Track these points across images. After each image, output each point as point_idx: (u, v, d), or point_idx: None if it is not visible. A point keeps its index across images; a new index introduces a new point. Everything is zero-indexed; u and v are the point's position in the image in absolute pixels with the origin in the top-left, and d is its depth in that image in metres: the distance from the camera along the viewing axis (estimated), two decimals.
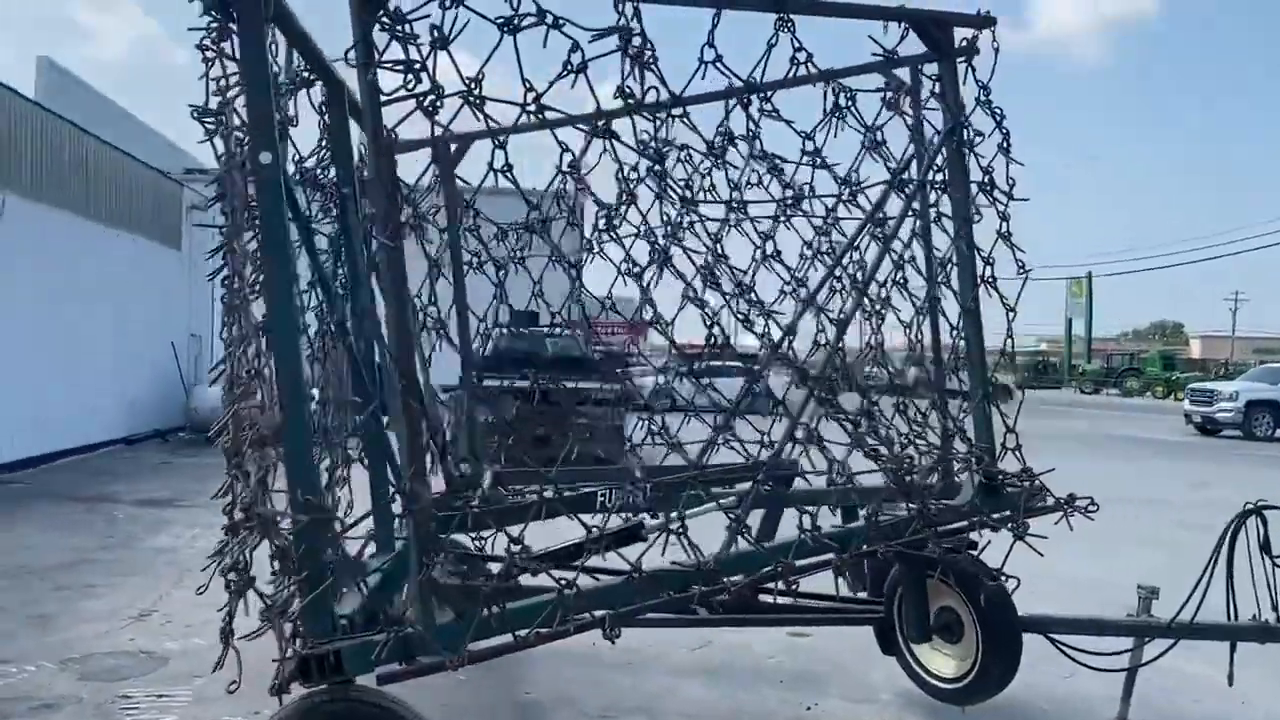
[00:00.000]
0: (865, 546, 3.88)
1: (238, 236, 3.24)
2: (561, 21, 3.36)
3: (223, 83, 3.29)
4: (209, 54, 3.31)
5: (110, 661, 5.64)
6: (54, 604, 6.78)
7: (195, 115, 3.34)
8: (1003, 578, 4.31)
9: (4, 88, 12.87)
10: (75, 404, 14.28)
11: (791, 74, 4.10)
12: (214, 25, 3.27)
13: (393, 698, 3.33)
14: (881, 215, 4.60)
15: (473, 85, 3.41)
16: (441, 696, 5.33)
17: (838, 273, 4.53)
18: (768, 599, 4.86)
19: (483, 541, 3.75)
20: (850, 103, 4.29)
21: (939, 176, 4.57)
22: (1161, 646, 4.76)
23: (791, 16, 4.04)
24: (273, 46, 3.70)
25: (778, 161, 4.30)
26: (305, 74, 4.23)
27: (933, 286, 4.70)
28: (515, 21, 3.36)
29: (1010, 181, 4.68)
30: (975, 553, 4.26)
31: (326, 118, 4.53)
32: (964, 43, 4.52)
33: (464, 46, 3.28)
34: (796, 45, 4.07)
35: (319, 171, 4.51)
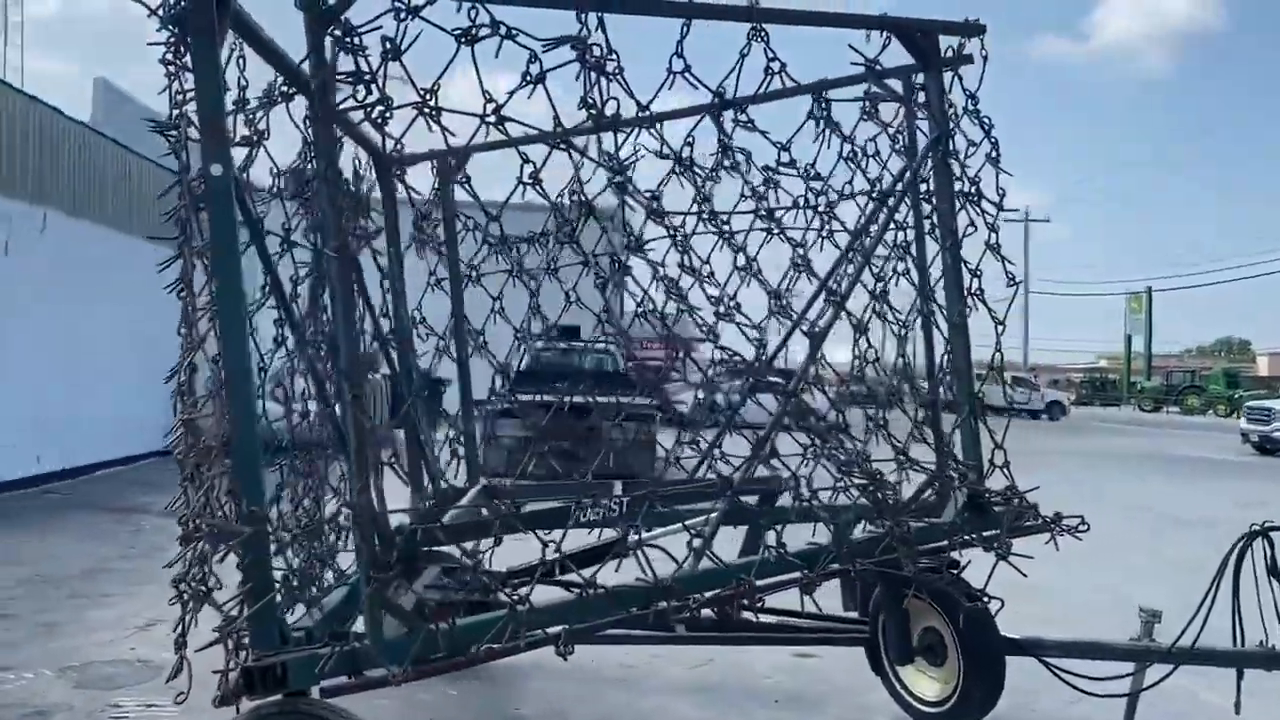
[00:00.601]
0: (836, 564, 3.80)
1: (189, 247, 3.25)
2: (515, 32, 3.35)
3: (180, 96, 3.31)
4: (171, 68, 3.34)
5: (108, 670, 5.69)
6: (65, 612, 6.89)
7: (154, 129, 3.37)
8: (984, 598, 4.22)
9: (47, 107, 13.20)
10: (115, 415, 14.54)
11: (766, 85, 4.05)
12: (172, 39, 3.29)
13: (342, 711, 3.30)
14: (865, 227, 4.52)
15: (427, 96, 3.42)
16: (430, 710, 5.33)
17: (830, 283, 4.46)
18: (752, 617, 4.81)
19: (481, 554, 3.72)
20: (825, 114, 4.21)
21: (923, 187, 4.49)
22: (1173, 674, 4.62)
23: (766, 27, 4.00)
24: (240, 60, 3.75)
25: (758, 174, 4.24)
26: (284, 88, 4.25)
27: (925, 301, 4.61)
28: (473, 33, 3.37)
29: (1000, 192, 4.60)
30: (957, 572, 4.15)
31: (310, 133, 4.54)
32: (949, 51, 4.45)
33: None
34: (770, 55, 4.02)
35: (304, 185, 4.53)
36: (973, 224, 4.53)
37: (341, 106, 3.27)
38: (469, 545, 3.43)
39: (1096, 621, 5.60)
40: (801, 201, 4.25)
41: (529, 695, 5.59)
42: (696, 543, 3.64)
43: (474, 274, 5.78)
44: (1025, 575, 4.17)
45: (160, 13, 3.24)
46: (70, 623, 6.63)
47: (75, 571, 8.15)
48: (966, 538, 4.09)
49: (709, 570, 3.60)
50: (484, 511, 4.61)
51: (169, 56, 3.31)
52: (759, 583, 3.61)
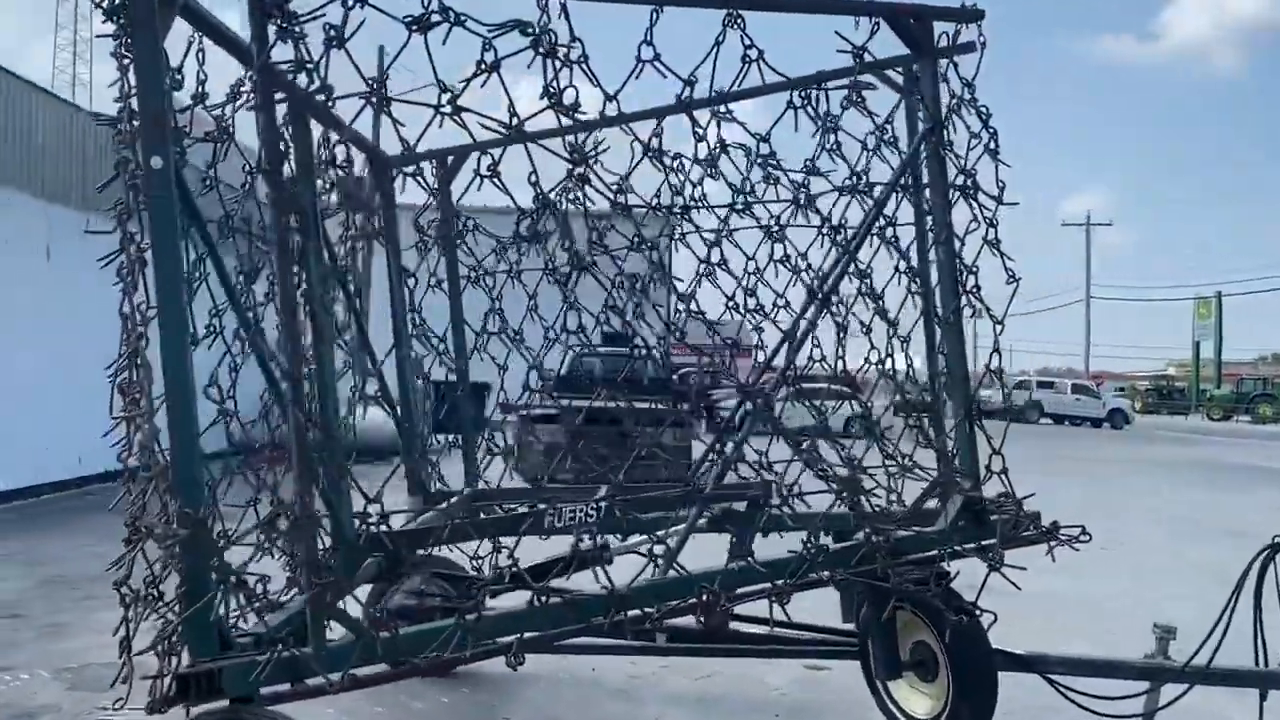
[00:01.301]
0: (812, 574, 3.62)
1: (131, 244, 3.18)
2: (464, 18, 3.24)
3: (126, 89, 3.25)
4: (121, 62, 3.28)
5: (103, 672, 5.65)
6: (74, 614, 6.91)
7: (101, 123, 3.31)
8: (977, 611, 4.02)
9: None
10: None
11: (744, 74, 3.90)
12: (119, 33, 3.23)
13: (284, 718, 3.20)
14: (860, 225, 4.34)
15: (375, 85, 3.32)
16: (422, 717, 5.23)
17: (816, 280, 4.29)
18: (740, 628, 4.65)
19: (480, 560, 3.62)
20: (803, 105, 4.04)
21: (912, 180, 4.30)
22: (1194, 692, 4.38)
23: (748, 14, 3.84)
24: (200, 53, 3.68)
25: (740, 169, 4.09)
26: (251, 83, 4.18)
27: (928, 302, 4.41)
28: (425, 19, 3.26)
29: (1000, 184, 4.39)
30: (944, 584, 3.94)
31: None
32: (943, 39, 4.26)
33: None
34: (747, 43, 3.87)
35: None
36: (976, 219, 4.34)
37: (279, 96, 3.19)
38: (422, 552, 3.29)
39: (1127, 636, 5.26)
40: (782, 194, 4.08)
41: (524, 703, 5.47)
42: (659, 550, 3.48)
43: (474, 274, 5.70)
44: (1019, 588, 3.96)
45: (104, 5, 3.18)
46: (77, 625, 6.65)
47: (94, 573, 8.18)
48: (955, 548, 3.87)
49: (670, 580, 3.44)
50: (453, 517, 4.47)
51: (121, 50, 3.25)
52: (726, 593, 3.44)
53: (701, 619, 3.28)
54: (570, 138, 3.51)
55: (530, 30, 3.21)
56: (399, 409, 5.67)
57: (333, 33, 3.17)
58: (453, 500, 5.02)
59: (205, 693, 3.03)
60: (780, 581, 3.50)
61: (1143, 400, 68.78)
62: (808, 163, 4.28)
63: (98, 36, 3.26)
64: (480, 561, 3.52)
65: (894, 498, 4.10)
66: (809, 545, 3.52)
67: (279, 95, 4.13)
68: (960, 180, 4.24)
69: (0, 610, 7.07)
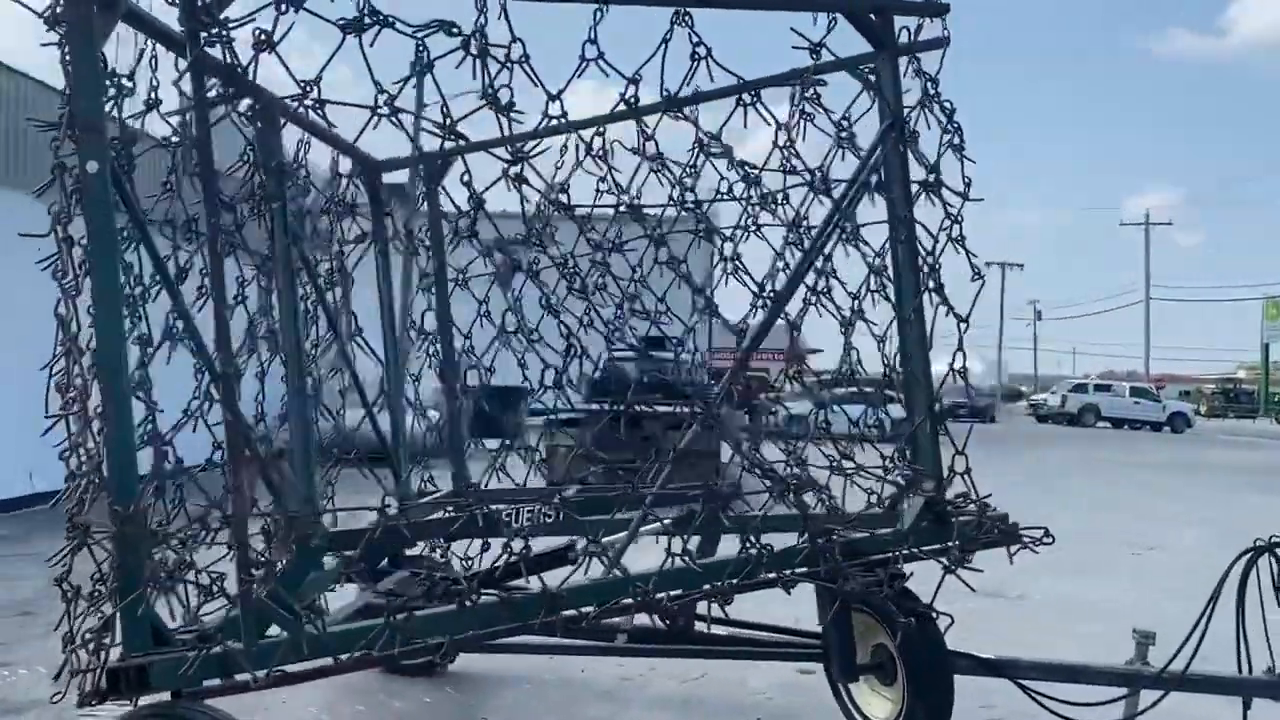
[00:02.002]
0: (759, 575, 3.58)
1: (70, 247, 3.24)
2: (392, 19, 3.27)
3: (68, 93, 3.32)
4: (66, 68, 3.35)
5: None
6: None
7: (40, 128, 3.39)
8: (934, 613, 3.96)
9: None
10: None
11: (692, 72, 3.87)
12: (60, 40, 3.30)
13: (222, 713, 3.23)
14: (821, 223, 4.29)
15: (308, 88, 3.36)
16: (403, 716, 5.26)
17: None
18: (709, 630, 4.61)
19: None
20: (755, 101, 4.00)
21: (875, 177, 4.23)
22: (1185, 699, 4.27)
23: (690, 11, 3.82)
24: (153, 60, 3.75)
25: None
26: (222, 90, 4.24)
27: (903, 306, 4.33)
28: (361, 22, 3.30)
29: (966, 180, 4.32)
30: (896, 585, 3.87)
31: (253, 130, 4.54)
32: (904, 32, 4.20)
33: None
34: (695, 40, 3.85)
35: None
36: (952, 218, 4.27)
37: (216, 104, 3.24)
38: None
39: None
40: (729, 193, 4.04)
41: (507, 704, 5.49)
42: (591, 549, 3.47)
43: (461, 277, 5.72)
44: (973, 589, 3.90)
45: (45, 15, 3.25)
46: None
47: None
48: (912, 550, 3.81)
49: (605, 581, 3.43)
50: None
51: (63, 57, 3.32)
52: (662, 594, 3.42)
53: (665, 621, 3.25)
54: (509, 137, 3.51)
55: (455, 30, 3.23)
56: (392, 410, 5.74)
57: (262, 37, 3.23)
58: (420, 501, 5.04)
59: (135, 687, 3.08)
60: (719, 583, 3.46)
61: (1208, 404, 67.13)
62: (791, 158, 4.24)
63: (41, 45, 3.33)
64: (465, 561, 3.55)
65: (866, 497, 4.04)
66: (747, 546, 3.48)
67: (247, 100, 4.23)
68: (927, 176, 4.17)
69: (13, 608, 7.26)
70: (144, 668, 3.09)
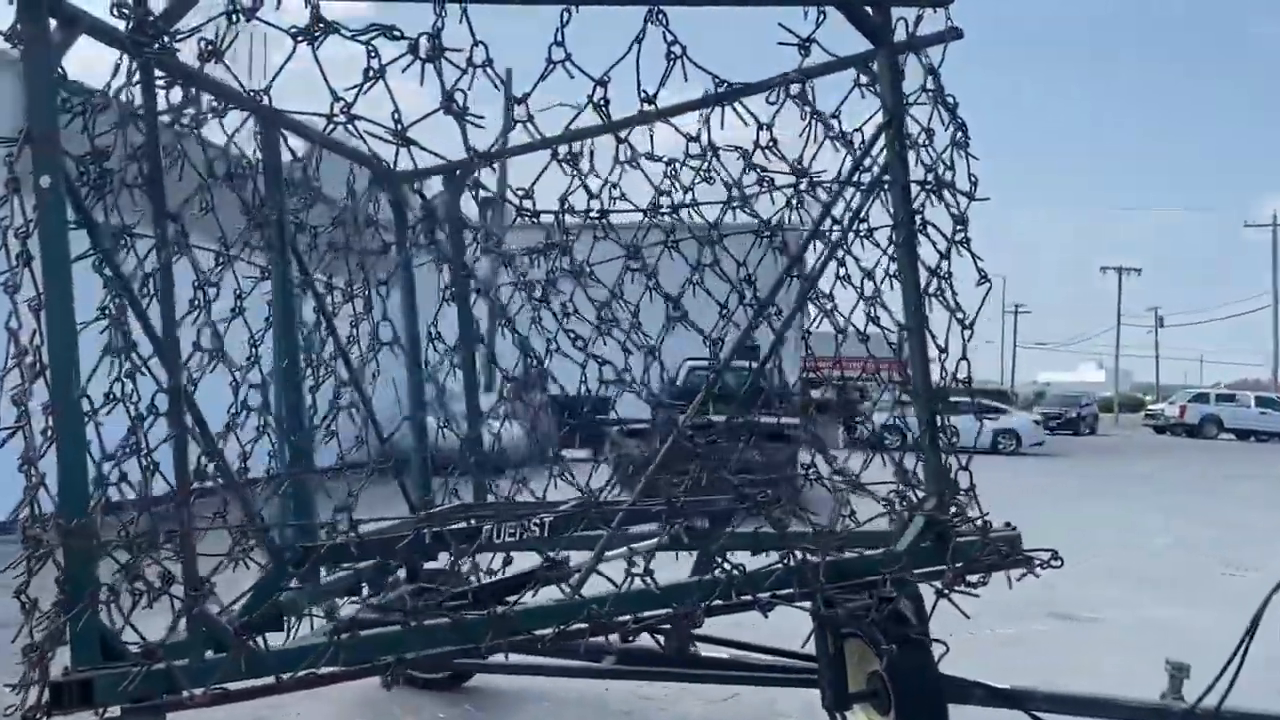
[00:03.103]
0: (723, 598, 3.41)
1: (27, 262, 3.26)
2: (336, 26, 3.21)
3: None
4: None
5: None
6: None
7: None
8: (925, 639, 3.72)
9: None
10: None
11: (668, 71, 3.72)
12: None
13: None
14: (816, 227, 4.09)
15: (259, 97, 3.33)
16: None
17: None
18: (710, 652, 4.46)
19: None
20: (738, 101, 3.84)
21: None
22: None
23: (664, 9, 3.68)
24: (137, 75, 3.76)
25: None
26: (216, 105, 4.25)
27: (913, 312, 4.11)
28: (311, 30, 3.25)
29: (972, 179, 4.08)
30: (886, 608, 3.65)
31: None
32: (901, 22, 3.99)
33: None
34: (670, 39, 3.70)
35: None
36: (956, 219, 4.05)
37: (163, 110, 3.23)
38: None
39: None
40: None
41: None
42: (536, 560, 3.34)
43: (479, 288, 5.67)
44: (967, 616, 3.66)
45: (7, 33, 3.28)
46: None
47: None
48: (899, 571, 3.59)
49: (559, 603, 3.30)
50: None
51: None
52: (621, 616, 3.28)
53: (663, 643, 3.10)
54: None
55: (396, 34, 3.15)
56: (413, 421, 5.71)
57: (209, 47, 3.21)
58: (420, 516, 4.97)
59: (78, 702, 3.06)
60: (682, 606, 3.30)
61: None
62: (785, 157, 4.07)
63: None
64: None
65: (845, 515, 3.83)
66: (710, 566, 3.31)
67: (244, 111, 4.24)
68: (930, 176, 3.96)
69: None
70: (87, 682, 3.07)
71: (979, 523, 3.86)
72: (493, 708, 5.56)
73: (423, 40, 3.21)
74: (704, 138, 3.90)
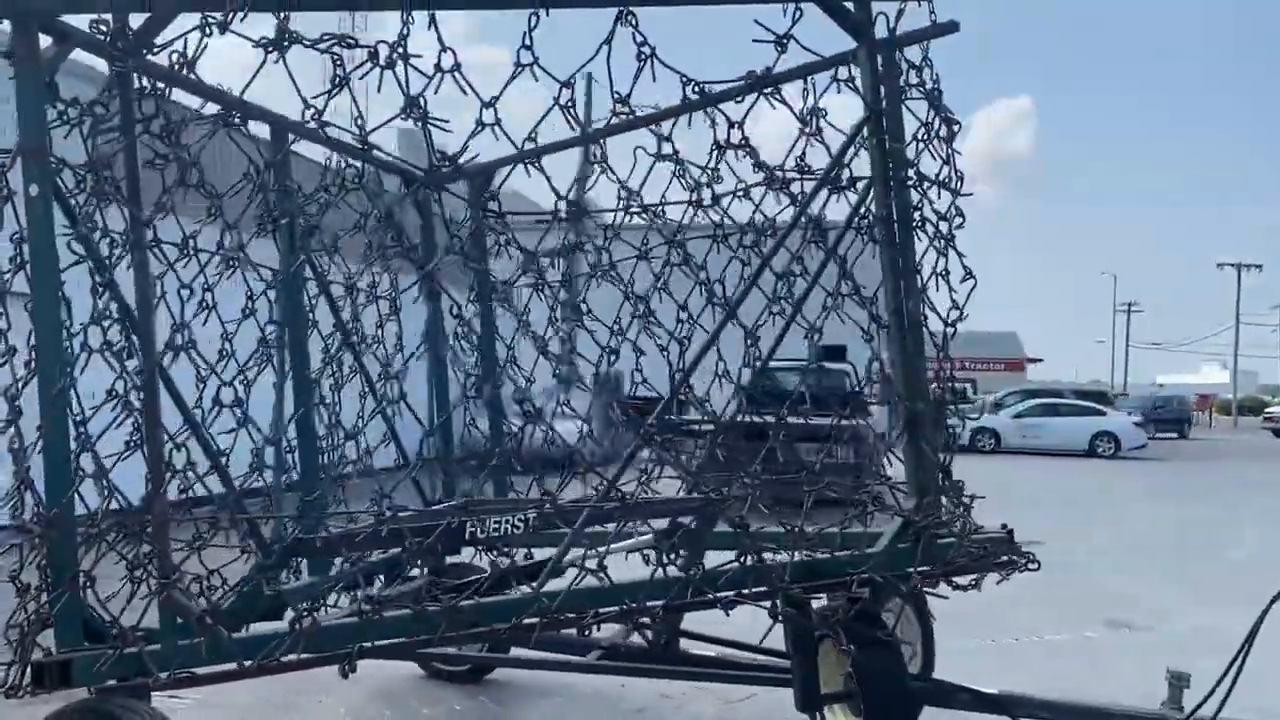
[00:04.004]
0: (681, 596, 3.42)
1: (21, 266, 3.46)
2: (299, 37, 3.32)
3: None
4: None
5: None
6: None
7: None
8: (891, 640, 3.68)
9: None
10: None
11: (639, 72, 3.75)
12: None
13: (142, 708, 3.33)
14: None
15: (228, 107, 3.46)
16: None
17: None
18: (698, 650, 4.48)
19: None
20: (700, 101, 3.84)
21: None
22: None
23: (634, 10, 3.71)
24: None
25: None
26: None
27: (893, 310, 4.07)
28: (279, 40, 3.37)
29: (958, 175, 4.03)
30: (852, 609, 3.62)
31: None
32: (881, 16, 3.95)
33: None
34: (640, 40, 3.73)
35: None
36: (940, 215, 4.00)
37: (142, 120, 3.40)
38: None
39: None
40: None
41: (535, 715, 5.47)
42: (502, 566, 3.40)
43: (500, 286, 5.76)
44: (934, 617, 3.60)
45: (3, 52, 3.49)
46: None
47: None
48: (867, 572, 3.56)
49: (510, 599, 3.36)
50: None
51: None
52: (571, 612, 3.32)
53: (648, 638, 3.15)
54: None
55: (350, 41, 3.25)
56: (440, 418, 5.84)
57: (180, 59, 3.36)
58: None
59: (58, 682, 3.23)
60: (636, 603, 3.33)
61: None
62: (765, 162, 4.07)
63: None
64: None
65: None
66: (657, 564, 3.33)
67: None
68: (904, 173, 3.91)
69: None
70: (66, 663, 3.24)
71: (959, 525, 3.80)
72: (509, 701, 5.65)
73: (381, 48, 3.31)
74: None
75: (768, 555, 3.57)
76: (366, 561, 4.51)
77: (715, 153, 3.82)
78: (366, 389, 5.17)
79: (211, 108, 3.86)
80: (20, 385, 3.42)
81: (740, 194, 3.89)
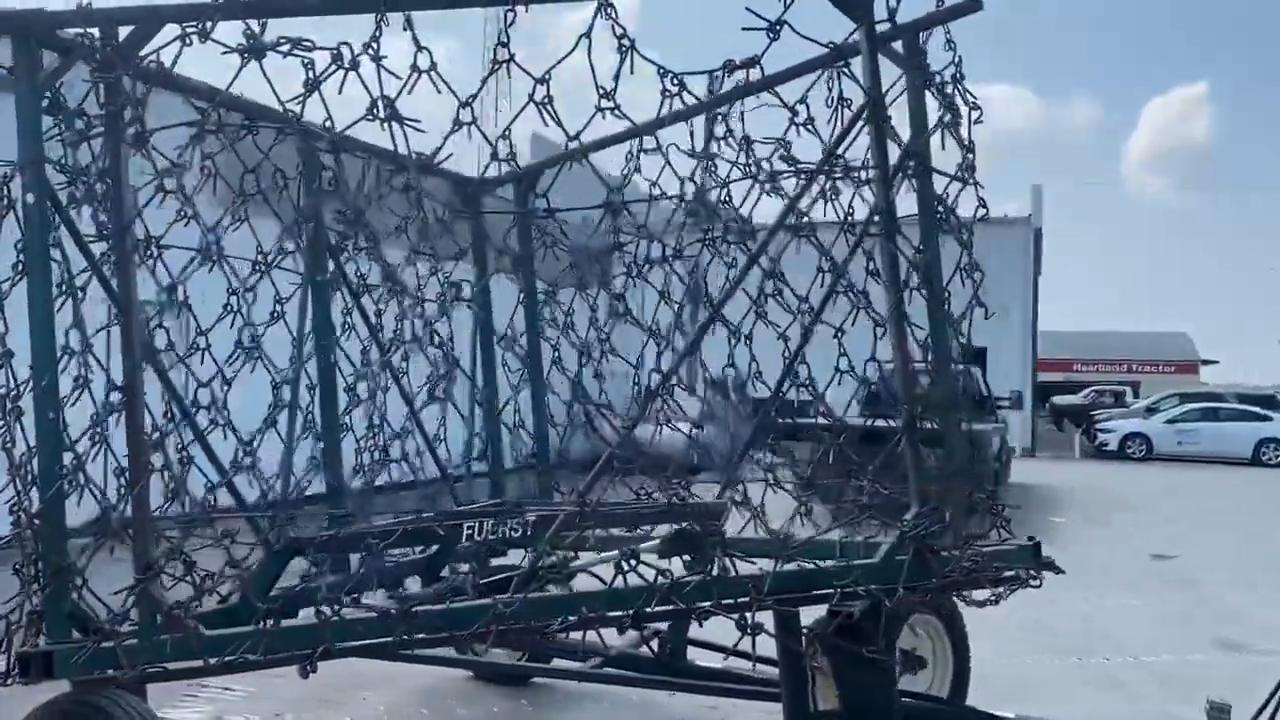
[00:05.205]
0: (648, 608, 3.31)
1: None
2: (273, 44, 3.36)
3: None
4: None
5: None
6: None
7: None
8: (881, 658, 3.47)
9: None
10: None
11: (621, 65, 3.66)
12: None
13: (123, 700, 3.41)
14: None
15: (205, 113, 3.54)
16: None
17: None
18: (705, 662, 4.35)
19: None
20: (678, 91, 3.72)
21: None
22: None
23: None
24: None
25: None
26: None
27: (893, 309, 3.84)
28: (257, 46, 3.43)
29: (967, 165, 3.79)
30: (839, 622, 3.43)
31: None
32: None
33: None
34: (620, 32, 3.63)
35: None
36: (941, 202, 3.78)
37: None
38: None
39: None
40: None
41: None
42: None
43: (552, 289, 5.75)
44: (916, 633, 3.37)
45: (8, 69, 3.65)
46: None
47: None
48: (851, 585, 3.37)
49: (465, 605, 3.32)
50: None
51: None
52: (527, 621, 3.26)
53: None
54: None
55: (308, 44, 3.27)
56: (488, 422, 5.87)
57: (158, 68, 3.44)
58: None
59: (39, 673, 3.35)
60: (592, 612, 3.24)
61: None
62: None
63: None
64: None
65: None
66: (616, 574, 3.22)
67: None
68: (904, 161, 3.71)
69: None
70: (50, 654, 3.35)
71: (964, 536, 3.57)
72: (548, 704, 5.61)
73: (345, 50, 3.33)
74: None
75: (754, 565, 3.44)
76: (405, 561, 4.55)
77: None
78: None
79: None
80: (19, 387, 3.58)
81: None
